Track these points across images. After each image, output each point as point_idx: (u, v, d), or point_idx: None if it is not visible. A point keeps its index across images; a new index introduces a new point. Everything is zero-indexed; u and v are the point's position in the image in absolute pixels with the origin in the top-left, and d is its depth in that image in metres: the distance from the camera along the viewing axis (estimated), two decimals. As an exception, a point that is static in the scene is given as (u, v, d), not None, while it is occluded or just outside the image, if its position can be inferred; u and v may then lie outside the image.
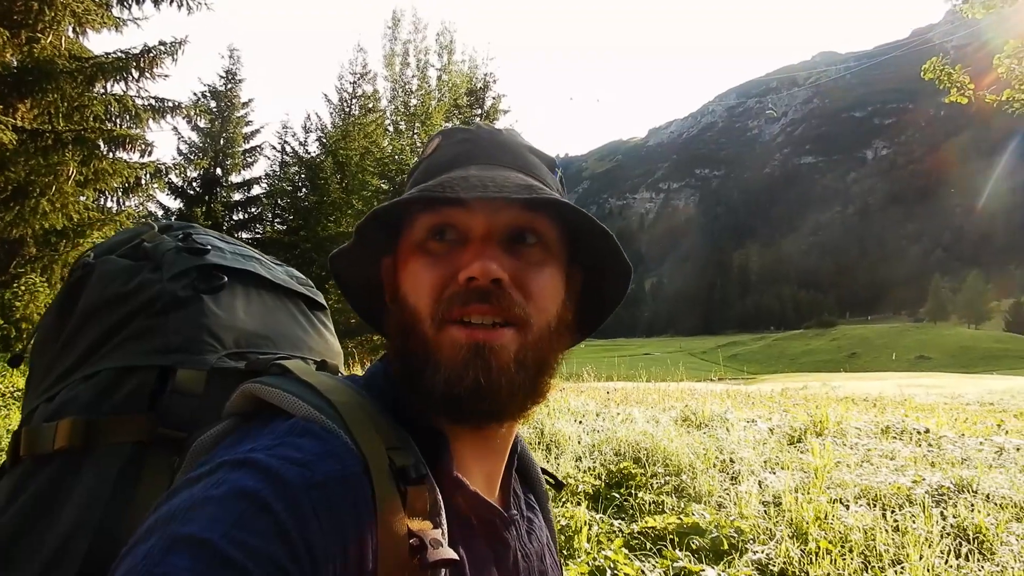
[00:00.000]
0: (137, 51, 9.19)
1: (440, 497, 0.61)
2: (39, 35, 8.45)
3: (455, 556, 0.56)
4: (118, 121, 9.80)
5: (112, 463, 0.78)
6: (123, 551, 0.49)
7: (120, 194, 10.14)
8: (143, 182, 9.97)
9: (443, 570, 0.57)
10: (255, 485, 0.51)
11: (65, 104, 8.76)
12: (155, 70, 9.35)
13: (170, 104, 10.19)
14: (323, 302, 1.11)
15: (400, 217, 0.73)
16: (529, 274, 0.68)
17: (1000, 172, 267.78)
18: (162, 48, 9.30)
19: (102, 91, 9.45)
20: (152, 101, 10.01)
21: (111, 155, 9.15)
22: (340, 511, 0.53)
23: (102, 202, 10.52)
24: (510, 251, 0.68)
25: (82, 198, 9.26)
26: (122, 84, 9.38)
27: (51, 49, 8.63)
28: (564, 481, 4.70)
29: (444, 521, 0.60)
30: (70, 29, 9.29)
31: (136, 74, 9.19)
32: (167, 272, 0.91)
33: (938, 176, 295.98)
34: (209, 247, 0.97)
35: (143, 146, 9.36)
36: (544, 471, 0.91)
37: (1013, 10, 10.77)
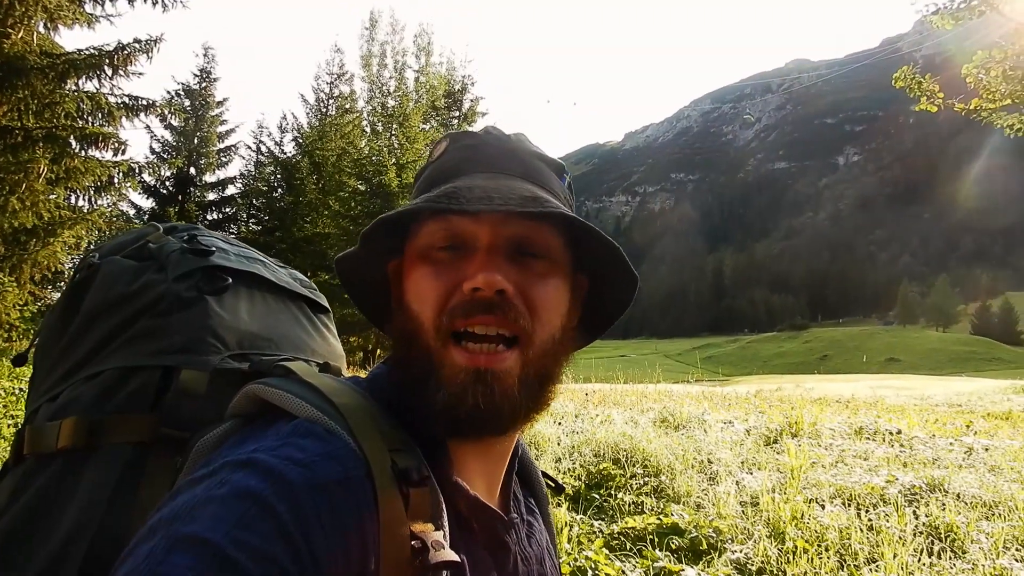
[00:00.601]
0: (111, 48, 9.03)
1: (442, 499, 0.61)
2: (9, 30, 8.26)
3: (457, 558, 0.56)
4: (90, 119, 9.61)
5: (115, 463, 0.77)
6: (126, 550, 0.50)
7: (92, 193, 9.96)
8: (115, 181, 9.80)
9: (444, 572, 0.57)
10: (258, 485, 0.51)
11: (36, 101, 8.56)
12: (129, 68, 9.19)
13: (144, 102, 10.00)
14: (326, 305, 1.11)
15: (406, 223, 0.74)
16: (534, 285, 0.69)
17: (968, 180, 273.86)
18: (137, 46, 9.15)
19: (74, 88, 9.27)
20: (125, 99, 9.82)
21: (83, 153, 9.00)
22: (342, 513, 0.53)
23: (73, 200, 10.35)
24: (515, 262, 0.69)
25: (52, 196, 9.10)
26: (95, 81, 9.22)
27: (22, 45, 8.43)
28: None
29: (446, 523, 0.60)
30: (41, 25, 9.11)
31: (110, 72, 9.02)
32: (172, 273, 0.91)
33: (907, 183, 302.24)
34: (214, 248, 0.97)
35: (116, 144, 9.20)
36: (544, 474, 0.92)
37: (980, 22, 11.04)
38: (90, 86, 9.39)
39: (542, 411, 0.72)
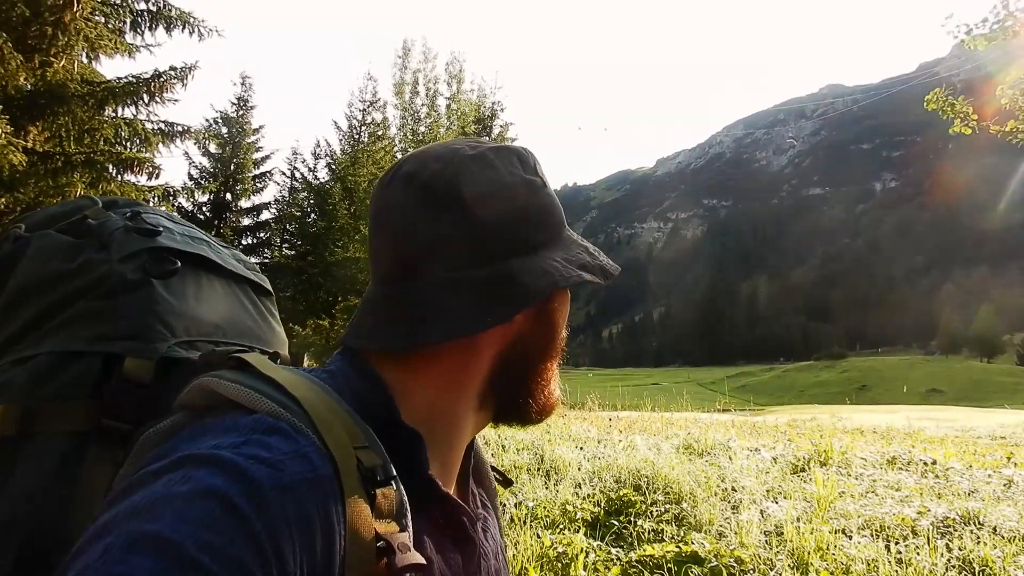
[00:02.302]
0: (148, 76, 9.31)
1: (406, 499, 0.59)
2: (52, 59, 8.58)
3: (423, 560, 0.55)
4: (128, 144, 9.91)
5: (51, 453, 0.73)
6: (76, 547, 0.47)
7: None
8: (151, 205, 9.97)
9: (410, 575, 0.55)
10: (223, 484, 0.49)
11: (76, 127, 8.86)
12: (165, 94, 9.45)
13: (179, 128, 10.30)
14: (269, 288, 1.07)
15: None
16: None
17: (1007, 205, 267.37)
18: (172, 73, 9.42)
19: (113, 115, 9.57)
20: (162, 125, 10.12)
21: (119, 178, 9.26)
22: (310, 514, 0.51)
23: (111, 225, 10.53)
24: None
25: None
26: (132, 108, 9.50)
27: (63, 73, 8.74)
28: (563, 507, 4.65)
29: (410, 523, 0.59)
30: (83, 54, 9.46)
31: (146, 98, 9.28)
32: (116, 253, 0.85)
33: (947, 209, 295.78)
34: (161, 228, 0.91)
35: (151, 169, 9.44)
36: (493, 468, 0.90)
37: (1017, 43, 10.84)
38: (128, 113, 9.68)
39: None
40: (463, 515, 0.70)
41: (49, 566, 0.67)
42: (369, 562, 0.53)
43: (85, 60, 9.84)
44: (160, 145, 10.44)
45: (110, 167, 9.05)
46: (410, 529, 0.58)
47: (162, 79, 9.39)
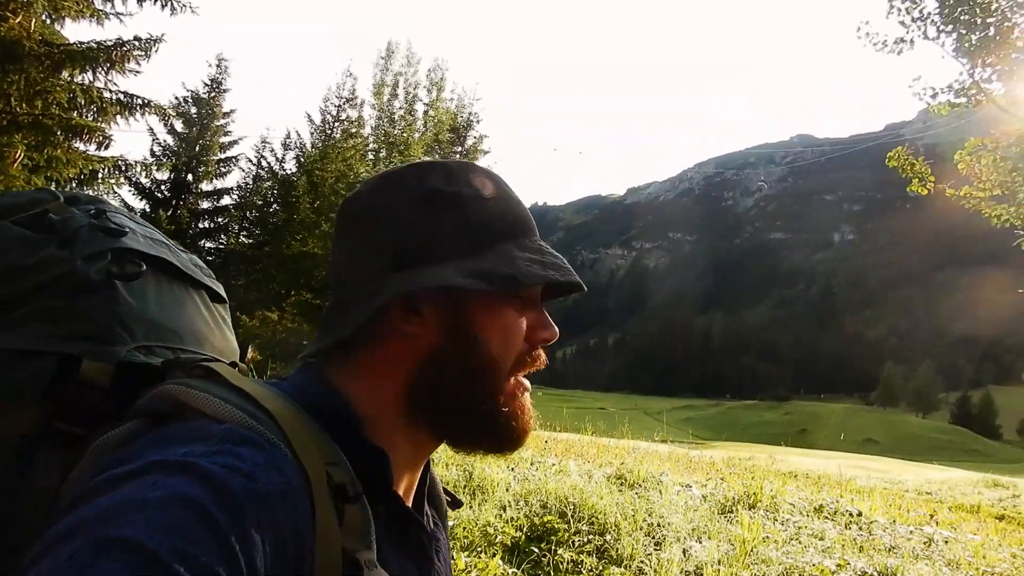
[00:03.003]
0: (110, 43, 9.00)
1: (371, 516, 0.60)
2: (8, 14, 8.19)
3: None
4: (84, 112, 9.54)
5: None
6: (38, 550, 0.46)
7: (75, 185, 9.81)
8: (100, 175, 9.68)
9: None
10: (197, 492, 0.48)
11: (28, 88, 8.47)
12: (127, 64, 9.12)
13: (139, 101, 9.90)
14: (224, 295, 1.04)
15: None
16: None
17: (958, 270, 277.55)
18: (136, 43, 9.10)
19: (68, 79, 9.18)
20: (120, 95, 9.76)
21: (66, 144, 8.89)
22: (282, 526, 0.52)
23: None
24: None
25: (31, 185, 8.93)
26: (90, 74, 9.13)
27: (19, 30, 8.37)
28: (484, 529, 4.53)
29: (375, 540, 0.60)
30: (45, 14, 9.09)
31: (106, 66, 8.94)
32: (80, 251, 0.81)
33: (900, 266, 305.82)
34: (127, 229, 0.88)
35: (102, 139, 9.10)
36: (444, 489, 0.92)
37: (982, 118, 11.25)
38: (85, 79, 9.31)
39: None
40: (422, 534, 0.73)
41: None
42: None
43: (47, 20, 9.46)
44: (118, 116, 10.09)
45: (58, 132, 8.68)
46: (374, 545, 0.59)
47: (125, 48, 9.10)
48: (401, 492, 0.72)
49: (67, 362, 0.74)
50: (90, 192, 11.33)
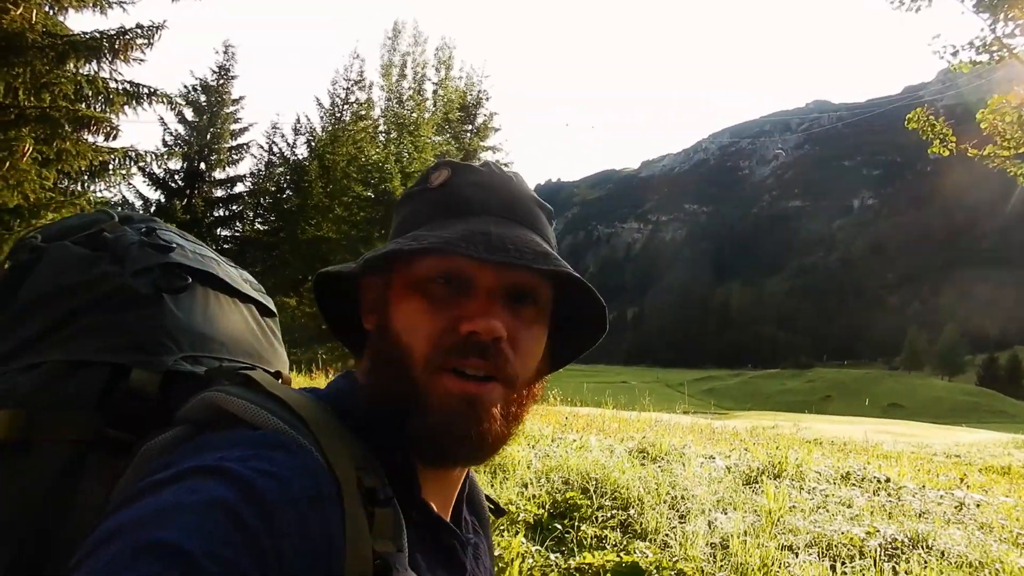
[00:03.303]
0: (113, 32, 8.93)
1: (403, 520, 0.61)
2: (9, 6, 8.12)
3: None
4: (91, 103, 9.51)
5: (52, 461, 0.72)
6: (80, 554, 0.48)
7: (86, 178, 9.84)
8: (111, 167, 9.67)
9: None
10: (231, 496, 0.50)
11: (33, 80, 8.43)
12: (130, 53, 9.03)
13: (146, 90, 9.85)
14: (273, 309, 1.09)
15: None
16: (522, 332, 0.71)
17: (977, 231, 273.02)
18: (139, 31, 9.02)
19: (73, 70, 9.13)
20: (126, 85, 9.71)
21: (75, 136, 8.86)
22: (312, 529, 0.53)
23: (67, 185, 10.19)
24: (508, 307, 0.70)
25: (43, 178, 8.92)
26: (95, 65, 9.08)
27: (21, 22, 8.30)
28: (506, 508, 4.49)
29: (406, 544, 0.60)
30: (47, 5, 9.04)
31: (110, 56, 8.88)
32: (130, 267, 0.87)
33: (921, 230, 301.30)
34: (174, 245, 0.94)
35: (109, 129, 9.07)
36: (487, 498, 0.93)
37: (1003, 76, 10.91)
38: (90, 70, 9.25)
39: (507, 445, 0.73)
40: (454, 539, 0.73)
41: (43, 573, 0.68)
42: None
43: (49, 11, 9.40)
44: (125, 106, 10.06)
45: (66, 124, 8.66)
46: (406, 549, 0.60)
47: (127, 36, 9.03)
48: (434, 498, 0.72)
49: (117, 372, 0.79)
50: (104, 184, 11.44)
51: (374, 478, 0.61)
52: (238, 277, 1.03)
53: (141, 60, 9.42)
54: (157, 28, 9.22)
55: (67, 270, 0.86)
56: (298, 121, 28.40)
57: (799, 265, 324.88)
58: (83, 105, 9.20)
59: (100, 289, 0.84)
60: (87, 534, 0.50)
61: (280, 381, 0.74)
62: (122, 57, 9.10)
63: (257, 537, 0.49)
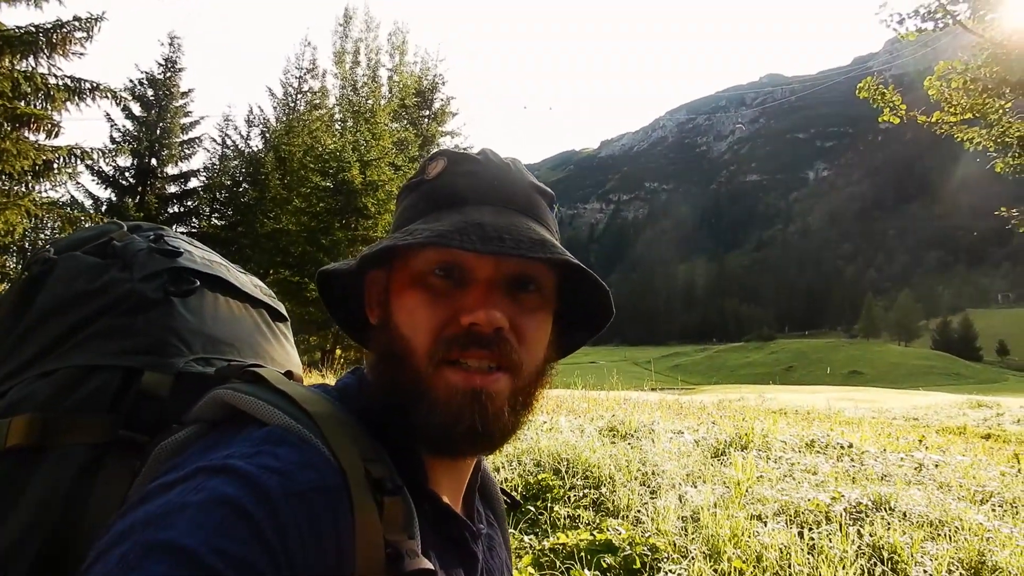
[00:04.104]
0: (49, 25, 8.57)
1: (414, 508, 0.62)
2: (-66, 2, 7.79)
3: (431, 566, 0.57)
4: (31, 100, 9.13)
5: (69, 464, 0.74)
6: (92, 555, 0.49)
7: (29, 178, 9.45)
8: (55, 166, 9.31)
9: None
10: (235, 492, 0.51)
11: (-34, 79, 8.08)
12: (69, 47, 8.69)
13: (88, 85, 9.50)
14: (284, 313, 1.11)
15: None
16: (525, 321, 0.70)
17: (933, 198, 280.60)
18: (76, 24, 8.67)
19: (9, 67, 8.75)
20: (67, 80, 9.35)
21: (15, 135, 8.51)
22: (319, 521, 0.54)
23: (10, 186, 9.76)
24: (510, 296, 0.70)
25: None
26: (32, 60, 8.72)
27: (-52, 19, 7.96)
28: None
29: (418, 532, 0.61)
30: (-24, 1, 8.63)
31: (47, 50, 8.53)
32: (138, 272, 0.89)
33: (874, 199, 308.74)
34: (182, 250, 0.96)
35: (50, 127, 8.73)
36: (502, 490, 0.93)
37: (948, 44, 11.12)
38: (27, 65, 8.87)
39: (518, 434, 0.73)
40: (465, 530, 0.73)
41: (64, 573, 0.69)
42: (379, 567, 0.56)
43: (-21, 6, 8.96)
44: (68, 103, 9.67)
45: (4, 123, 8.30)
46: (418, 537, 0.60)
47: (65, 29, 8.67)
48: (443, 489, 0.73)
49: (130, 375, 0.80)
50: (50, 183, 11.02)
51: (382, 468, 0.61)
52: (248, 282, 1.05)
53: (81, 54, 9.07)
54: (96, 20, 8.86)
55: (78, 278, 0.89)
56: (251, 112, 27.97)
57: (759, 238, 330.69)
58: (22, 103, 8.84)
59: (110, 295, 0.87)
60: (101, 535, 0.51)
61: (292, 380, 0.74)
62: (60, 51, 8.75)
63: (262, 531, 0.49)
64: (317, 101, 26.61)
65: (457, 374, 0.66)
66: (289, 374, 0.86)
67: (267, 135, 26.55)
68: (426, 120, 24.59)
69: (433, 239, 0.65)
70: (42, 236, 14.29)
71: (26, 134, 8.75)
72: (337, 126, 24.62)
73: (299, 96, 27.04)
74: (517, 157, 0.82)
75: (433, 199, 0.74)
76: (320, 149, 22.43)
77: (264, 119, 27.11)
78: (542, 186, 0.82)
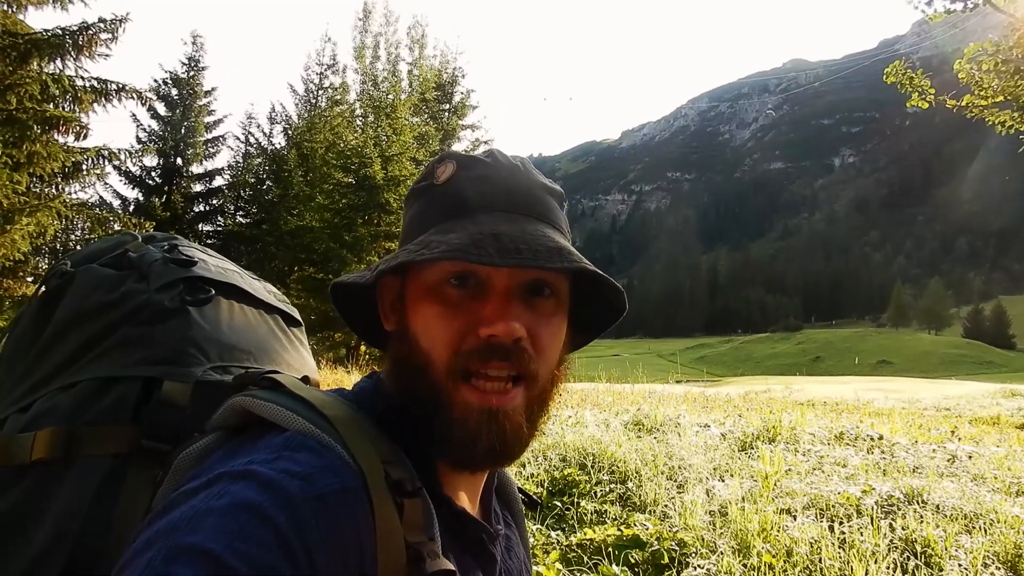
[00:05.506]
0: (75, 28, 8.69)
1: (433, 510, 0.63)
2: (-36, 7, 7.94)
3: (452, 567, 0.58)
4: (58, 102, 9.28)
5: (93, 475, 0.76)
6: (120, 562, 0.50)
7: (59, 180, 9.65)
8: (84, 167, 9.47)
9: None
10: (257, 497, 0.52)
11: (-4, 82, 8.23)
12: (95, 49, 8.79)
13: (114, 86, 9.62)
14: (299, 318, 1.11)
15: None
16: (542, 327, 0.70)
17: (963, 183, 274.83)
18: (101, 25, 8.77)
19: (38, 70, 8.90)
20: (94, 82, 9.47)
21: (44, 137, 8.66)
22: (340, 523, 0.55)
23: (40, 188, 9.98)
24: (526, 303, 0.69)
25: (15, 183, 8.70)
26: (59, 62, 8.85)
27: (-23, 22, 8.11)
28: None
29: (438, 533, 0.62)
30: (4, 4, 8.77)
31: (74, 52, 8.65)
32: (154, 283, 0.91)
33: (902, 185, 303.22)
34: (196, 259, 0.97)
35: (79, 128, 8.87)
36: (520, 490, 0.93)
37: (977, 25, 10.84)
38: (55, 67, 9.01)
39: (536, 437, 0.73)
40: (482, 532, 0.73)
41: None
42: (400, 568, 0.57)
43: (8, 9, 9.11)
44: (95, 104, 9.82)
45: (34, 126, 8.45)
46: (438, 539, 0.61)
47: (90, 31, 8.78)
48: (460, 492, 0.73)
49: (150, 385, 0.82)
50: (79, 185, 11.20)
51: (401, 471, 0.62)
52: (262, 289, 1.06)
53: (107, 55, 9.18)
54: (120, 21, 8.97)
55: (96, 291, 0.90)
56: (273, 110, 28.06)
57: (784, 227, 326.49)
58: (51, 105, 9.00)
59: (127, 306, 0.88)
60: (128, 544, 0.52)
61: (309, 385, 0.74)
62: (87, 53, 8.88)
63: (284, 534, 0.50)
64: (338, 97, 26.70)
65: (473, 393, 0.66)
66: (305, 379, 0.87)
67: (289, 132, 26.72)
68: (446, 114, 24.56)
69: (451, 253, 0.64)
70: (72, 237, 14.62)
71: (55, 136, 8.92)
72: (358, 122, 24.69)
73: (320, 92, 27.18)
74: (526, 157, 0.81)
75: (443, 206, 0.73)
76: (342, 145, 22.51)
77: (286, 116, 27.30)
78: (551, 184, 0.81)
